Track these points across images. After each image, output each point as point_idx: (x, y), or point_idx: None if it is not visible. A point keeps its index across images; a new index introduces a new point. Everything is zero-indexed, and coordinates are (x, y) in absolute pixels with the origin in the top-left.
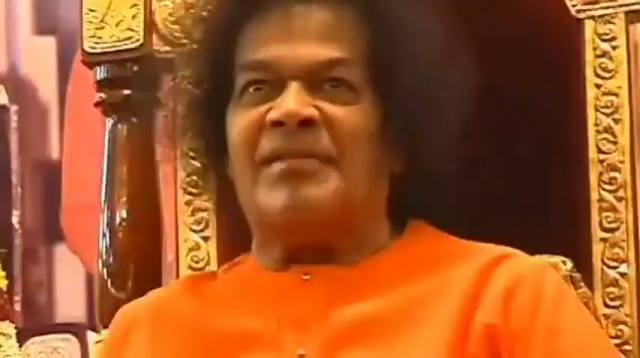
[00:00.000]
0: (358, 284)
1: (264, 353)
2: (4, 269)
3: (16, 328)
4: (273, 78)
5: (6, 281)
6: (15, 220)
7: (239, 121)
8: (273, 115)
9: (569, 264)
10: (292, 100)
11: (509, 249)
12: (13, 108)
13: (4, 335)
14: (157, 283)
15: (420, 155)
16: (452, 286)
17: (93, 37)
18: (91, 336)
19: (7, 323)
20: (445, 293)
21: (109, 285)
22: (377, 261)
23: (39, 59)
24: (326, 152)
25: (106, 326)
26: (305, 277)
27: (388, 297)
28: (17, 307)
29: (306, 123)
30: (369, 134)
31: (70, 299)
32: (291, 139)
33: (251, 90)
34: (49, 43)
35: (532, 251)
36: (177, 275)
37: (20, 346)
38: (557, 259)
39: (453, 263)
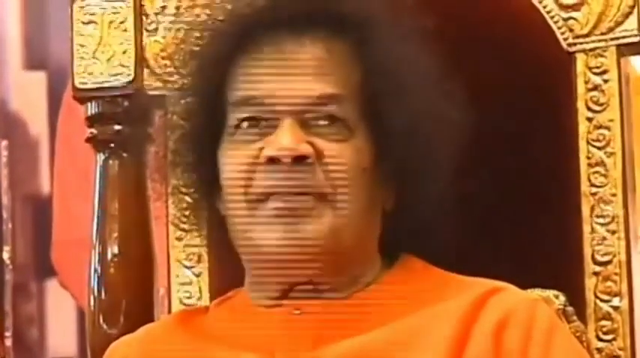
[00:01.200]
0: (348, 319)
1: None
2: None
3: None
4: (267, 114)
5: None
6: (6, 255)
7: (232, 158)
8: (268, 152)
9: (562, 298)
10: (287, 137)
11: (500, 283)
12: (3, 143)
13: None
14: (148, 318)
15: (412, 192)
16: (442, 320)
17: (84, 72)
18: None
19: None
20: (435, 327)
21: (101, 321)
22: (367, 296)
23: (29, 94)
24: (320, 189)
25: None
26: (296, 312)
27: (378, 333)
28: (8, 342)
29: (301, 159)
30: (362, 170)
31: (61, 335)
32: (285, 176)
33: (244, 126)
34: (40, 77)
35: (524, 284)
36: (170, 310)
37: None
38: (550, 293)
39: (443, 296)
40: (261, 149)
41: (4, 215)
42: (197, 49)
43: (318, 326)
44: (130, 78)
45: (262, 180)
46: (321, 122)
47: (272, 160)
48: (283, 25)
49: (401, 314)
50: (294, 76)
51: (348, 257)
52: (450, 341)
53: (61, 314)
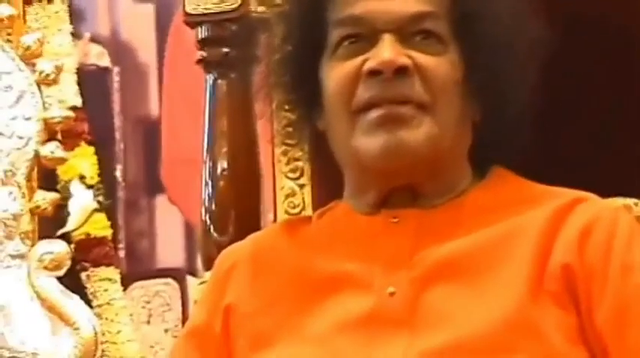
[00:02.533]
0: (443, 226)
1: (357, 293)
2: (108, 220)
3: (120, 273)
4: (367, 32)
5: (111, 231)
6: (118, 174)
7: (335, 73)
8: (370, 64)
9: None
10: (388, 50)
11: (584, 193)
12: (115, 69)
13: (109, 280)
14: (256, 228)
15: (501, 104)
16: (530, 227)
17: None
18: (190, 281)
19: (112, 268)
20: (524, 233)
21: (212, 230)
22: (460, 205)
23: (138, 25)
24: (419, 99)
25: (208, 269)
26: (394, 220)
27: (471, 238)
28: (121, 254)
29: (401, 71)
30: (456, 83)
31: (170, 247)
32: (387, 87)
33: (346, 44)
34: (148, 10)
35: (607, 193)
36: (275, 221)
37: (125, 290)
38: (630, 201)
39: (531, 206)
40: (363, 62)
41: (117, 136)
42: None
43: (415, 233)
44: (237, 3)
45: (365, 91)
46: (418, 38)
47: (374, 72)
48: None
49: (492, 222)
50: None
51: (444, 164)
52: (537, 246)
53: (169, 229)
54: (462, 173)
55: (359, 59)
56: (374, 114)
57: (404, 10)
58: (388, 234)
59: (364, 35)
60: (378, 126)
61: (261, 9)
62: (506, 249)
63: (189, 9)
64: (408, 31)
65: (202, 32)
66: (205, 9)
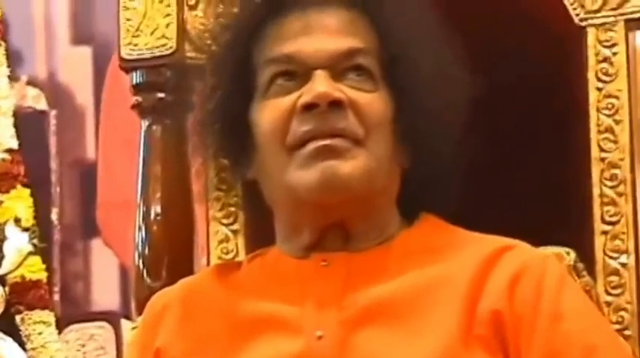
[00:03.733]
0: (372, 270)
1: (286, 335)
2: (43, 263)
3: (55, 316)
4: (299, 69)
5: (46, 274)
6: (54, 217)
7: (268, 111)
8: (305, 98)
9: (573, 255)
10: (322, 84)
11: (512, 241)
12: (52, 112)
13: (44, 323)
14: (189, 273)
15: (427, 150)
16: (459, 273)
17: (129, 44)
18: (125, 324)
19: (47, 312)
20: (452, 279)
21: (145, 275)
22: (389, 249)
23: (76, 67)
24: (354, 133)
25: (141, 313)
26: (323, 263)
27: (399, 282)
28: (56, 297)
29: (336, 104)
30: (388, 120)
31: (105, 290)
32: (322, 120)
33: (278, 81)
34: (86, 52)
35: (538, 242)
36: (208, 265)
37: (59, 333)
38: (562, 250)
39: (460, 252)
40: (297, 98)
41: (53, 179)
42: (230, 21)
43: (344, 277)
44: (172, 49)
45: (299, 126)
46: (351, 74)
47: (309, 106)
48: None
49: (421, 267)
50: (322, 34)
51: (376, 202)
52: (467, 292)
53: (104, 271)
54: (392, 216)
55: (293, 95)
56: (310, 146)
57: (336, 46)
58: (318, 277)
59: (297, 73)
60: (314, 158)
61: (195, 54)
62: (435, 293)
63: (124, 54)
64: (341, 67)
65: (137, 77)
66: (139, 54)
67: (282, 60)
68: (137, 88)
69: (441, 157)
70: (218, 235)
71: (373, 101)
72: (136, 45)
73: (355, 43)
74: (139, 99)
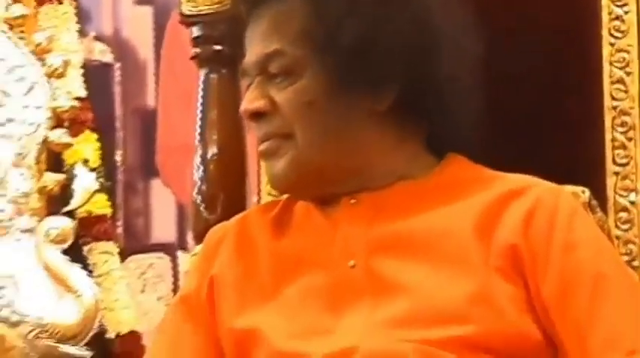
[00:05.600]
0: (396, 205)
1: (322, 266)
2: (108, 200)
3: (118, 247)
4: (250, 77)
5: (110, 209)
6: (118, 158)
7: None
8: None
9: (588, 193)
10: (247, 97)
11: (530, 179)
12: (117, 65)
13: (108, 253)
14: (242, 208)
15: (441, 100)
16: (477, 206)
17: (190, 1)
18: (181, 255)
19: (111, 243)
20: (470, 211)
21: (202, 209)
22: (414, 186)
23: (138, 25)
24: (281, 131)
25: (199, 243)
26: (352, 202)
27: (422, 216)
28: (119, 230)
29: (258, 114)
30: (309, 104)
31: (163, 225)
32: (256, 129)
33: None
34: (147, 11)
35: (556, 182)
36: (259, 202)
37: (122, 262)
38: (578, 189)
39: (480, 188)
40: None
41: (117, 125)
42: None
43: (371, 213)
44: (227, 6)
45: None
46: (278, 78)
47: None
48: None
49: (443, 202)
50: (254, 42)
51: (347, 163)
52: (481, 221)
53: (163, 208)
54: (391, 160)
55: None
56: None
57: (258, 55)
58: (348, 214)
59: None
60: (262, 159)
61: None
62: (454, 224)
63: (184, 10)
64: (267, 71)
65: (196, 31)
66: (199, 10)
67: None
68: (196, 41)
69: (459, 103)
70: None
71: (293, 94)
72: (195, 2)
73: (274, 46)
74: (198, 50)
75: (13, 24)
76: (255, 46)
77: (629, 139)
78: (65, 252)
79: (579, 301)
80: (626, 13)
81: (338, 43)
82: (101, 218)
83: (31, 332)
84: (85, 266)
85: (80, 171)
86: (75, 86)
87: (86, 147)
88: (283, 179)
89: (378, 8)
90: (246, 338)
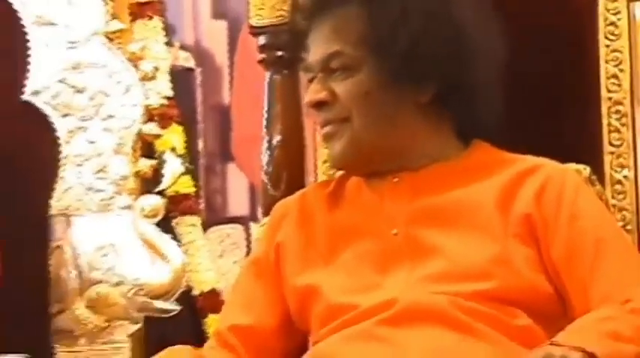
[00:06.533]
0: (432, 183)
1: (370, 235)
2: (192, 180)
3: (201, 220)
4: (314, 74)
5: (194, 189)
6: (200, 146)
7: None
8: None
9: (588, 170)
10: (310, 91)
11: (545, 159)
12: (198, 70)
13: (193, 225)
14: (301, 186)
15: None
16: (498, 183)
17: (257, 15)
18: (253, 226)
19: (195, 217)
20: (493, 188)
21: (269, 187)
22: (446, 167)
23: (215, 36)
24: (340, 116)
25: (266, 215)
26: (395, 180)
27: (454, 192)
28: (201, 206)
29: (321, 104)
30: (365, 95)
31: (237, 201)
32: (318, 116)
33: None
34: (222, 25)
35: (563, 161)
36: (316, 181)
37: (204, 232)
38: (580, 166)
39: (501, 168)
40: None
41: (199, 118)
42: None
43: (411, 189)
44: (287, 19)
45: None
46: (337, 72)
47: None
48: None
49: (471, 180)
50: (316, 45)
51: (391, 145)
52: (501, 197)
53: (237, 187)
54: (430, 144)
55: None
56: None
57: (320, 55)
58: (391, 190)
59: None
60: (324, 141)
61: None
62: (481, 201)
63: (253, 22)
64: (329, 68)
65: (262, 40)
66: (265, 23)
67: (305, 68)
68: (262, 48)
69: (484, 99)
70: (323, 157)
71: (351, 86)
72: (261, 16)
73: (335, 47)
74: (264, 56)
75: (112, 37)
76: (318, 47)
77: (623, 125)
78: (157, 224)
79: (583, 262)
80: (619, 20)
81: (390, 47)
82: (186, 196)
83: (129, 290)
84: (174, 236)
85: (168, 157)
86: (163, 87)
87: (173, 137)
88: (341, 157)
89: (424, 20)
90: (307, 294)
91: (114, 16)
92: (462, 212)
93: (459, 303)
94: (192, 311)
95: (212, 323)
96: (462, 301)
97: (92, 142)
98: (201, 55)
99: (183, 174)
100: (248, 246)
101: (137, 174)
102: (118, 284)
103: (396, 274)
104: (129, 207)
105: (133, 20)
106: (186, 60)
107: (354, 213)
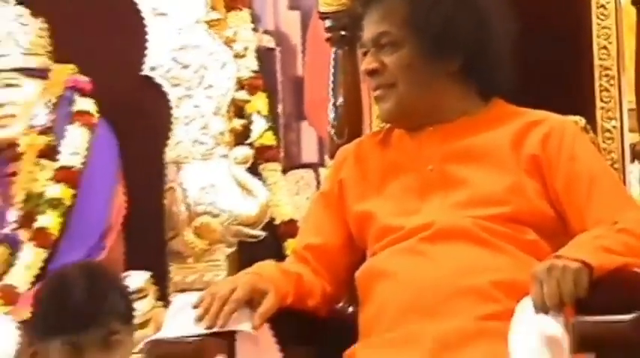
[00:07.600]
0: (461, 131)
1: (411, 171)
2: (274, 135)
3: (281, 166)
4: (367, 49)
5: (275, 142)
6: (279, 108)
7: None
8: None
9: (584, 121)
10: (366, 60)
11: (550, 113)
12: (277, 49)
13: (274, 170)
14: (359, 135)
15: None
16: (512, 130)
17: (325, 3)
18: (321, 170)
19: (276, 164)
20: (508, 134)
21: (335, 137)
22: (470, 119)
23: (291, 23)
24: (387, 82)
25: (332, 158)
26: (431, 129)
27: (478, 137)
28: (281, 155)
29: (373, 72)
30: (407, 65)
31: (309, 150)
32: (371, 81)
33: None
34: (296, 14)
35: (563, 113)
36: (370, 130)
37: (283, 175)
38: (577, 118)
39: (514, 119)
40: None
41: (279, 87)
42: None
43: (444, 136)
44: (348, 5)
45: None
46: (386, 47)
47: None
48: None
49: (490, 129)
50: (370, 25)
51: (421, 106)
52: (514, 141)
53: (309, 140)
54: (457, 102)
55: None
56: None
57: (373, 33)
58: (428, 137)
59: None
60: (375, 102)
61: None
62: (499, 143)
63: (321, 9)
64: (379, 44)
65: (328, 22)
66: (330, 9)
67: (361, 45)
68: (329, 29)
69: (500, 66)
70: (375, 114)
71: (397, 59)
72: (328, 4)
73: (384, 28)
74: (330, 35)
75: (211, 24)
76: (371, 28)
77: (611, 85)
78: (247, 169)
79: (580, 192)
80: (607, 3)
81: (426, 28)
82: (269, 147)
83: (226, 221)
84: (260, 178)
85: (255, 117)
86: (251, 63)
87: (259, 102)
88: (389, 114)
89: (453, 7)
90: (364, 218)
91: (213, 8)
92: (484, 152)
93: (481, 224)
94: (274, 237)
95: (290, 245)
96: (484, 222)
97: (196, 106)
98: (280, 37)
99: (266, 130)
100: (317, 186)
101: (232, 130)
102: (217, 215)
103: (432, 201)
104: (225, 156)
105: (228, 11)
106: (269, 42)
107: (399, 155)
